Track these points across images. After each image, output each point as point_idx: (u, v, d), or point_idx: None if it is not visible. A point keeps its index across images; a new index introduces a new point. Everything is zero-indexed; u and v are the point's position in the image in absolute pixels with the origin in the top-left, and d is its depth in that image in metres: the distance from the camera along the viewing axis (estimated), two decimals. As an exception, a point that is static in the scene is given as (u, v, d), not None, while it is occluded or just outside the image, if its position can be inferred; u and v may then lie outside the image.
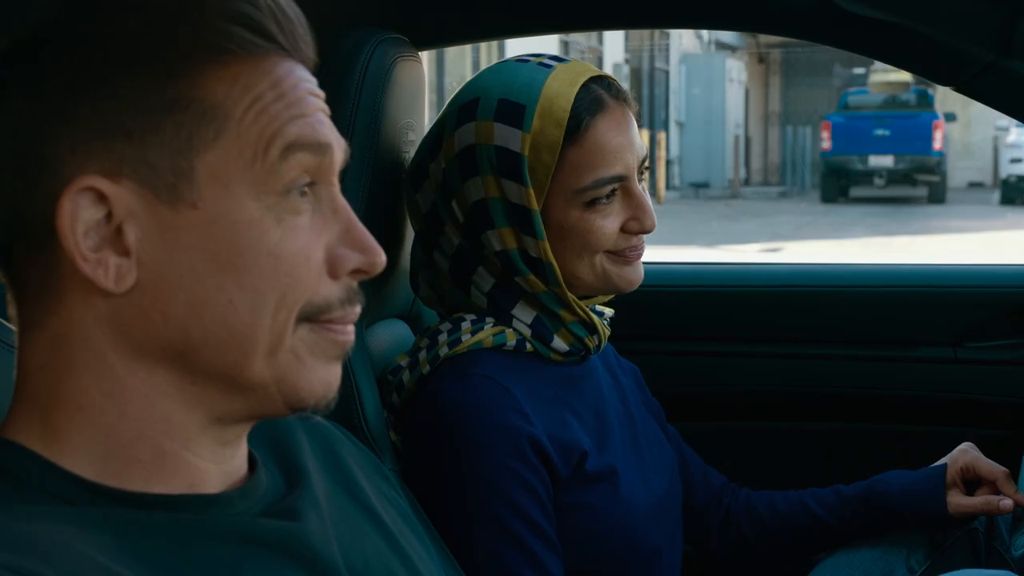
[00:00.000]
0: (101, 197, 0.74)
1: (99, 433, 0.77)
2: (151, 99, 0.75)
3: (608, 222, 1.34)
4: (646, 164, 1.38)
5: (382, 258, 0.83)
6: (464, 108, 1.35)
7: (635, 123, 1.38)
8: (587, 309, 1.38)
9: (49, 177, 0.74)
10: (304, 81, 0.81)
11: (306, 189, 0.80)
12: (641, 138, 1.39)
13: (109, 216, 0.75)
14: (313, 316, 0.80)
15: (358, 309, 0.83)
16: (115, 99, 0.74)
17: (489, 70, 1.38)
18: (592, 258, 1.35)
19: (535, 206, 1.32)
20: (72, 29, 0.75)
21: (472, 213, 1.35)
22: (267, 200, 0.77)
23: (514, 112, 1.32)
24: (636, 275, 1.39)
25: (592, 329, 1.39)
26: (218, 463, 0.82)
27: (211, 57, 0.76)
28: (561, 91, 1.32)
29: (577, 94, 1.33)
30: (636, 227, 1.36)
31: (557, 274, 1.34)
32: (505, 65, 1.38)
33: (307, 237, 0.79)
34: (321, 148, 0.80)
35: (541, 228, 1.32)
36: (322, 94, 0.83)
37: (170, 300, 0.76)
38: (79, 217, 0.74)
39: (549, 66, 1.35)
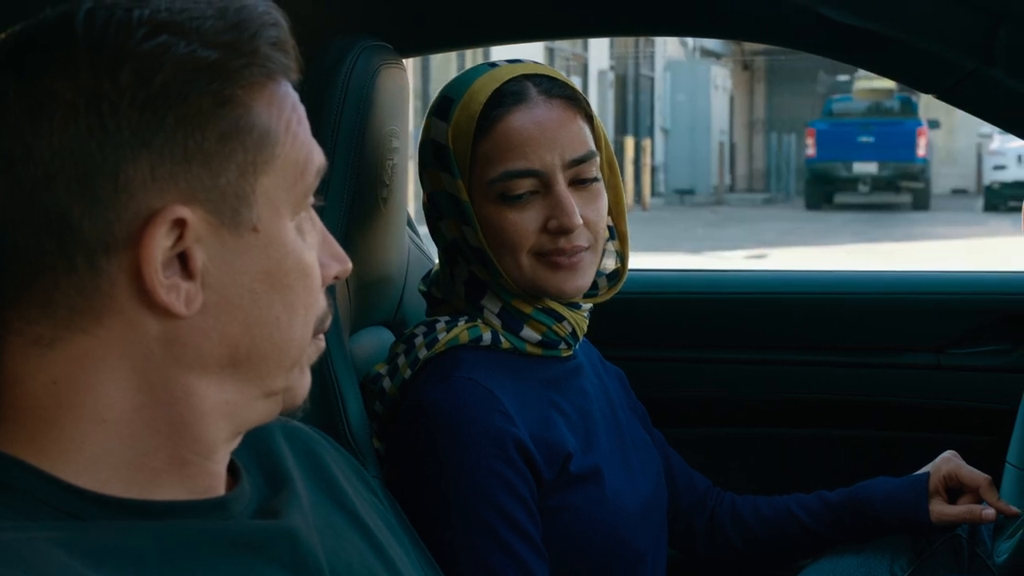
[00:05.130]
0: (177, 224, 0.75)
1: (116, 445, 0.77)
2: (221, 125, 0.76)
3: (523, 218, 1.33)
4: (580, 160, 1.33)
5: (351, 265, 0.89)
6: (429, 109, 1.41)
7: (576, 123, 1.34)
8: (542, 300, 1.37)
9: (125, 201, 0.74)
10: (298, 99, 0.84)
11: None
12: (594, 142, 1.36)
13: (176, 241, 0.75)
14: (318, 329, 0.85)
15: (331, 317, 0.88)
16: (191, 125, 0.75)
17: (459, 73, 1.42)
18: (516, 257, 1.34)
19: (464, 196, 1.34)
20: (150, 53, 0.74)
21: (429, 206, 1.40)
22: (296, 220, 0.82)
23: (445, 106, 1.37)
24: (571, 284, 1.35)
25: (558, 317, 1.39)
26: (222, 464, 0.84)
27: (259, 82, 0.78)
28: (484, 85, 1.34)
29: (499, 87, 1.34)
30: (555, 226, 1.33)
31: (494, 263, 1.35)
32: (471, 67, 1.40)
33: (314, 252, 0.84)
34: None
35: (472, 216, 1.34)
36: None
37: (229, 320, 0.78)
38: (160, 245, 0.74)
39: (495, 65, 1.38)
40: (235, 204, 0.77)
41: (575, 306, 1.41)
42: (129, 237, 0.74)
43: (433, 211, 1.40)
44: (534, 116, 1.33)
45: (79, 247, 0.74)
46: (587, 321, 1.43)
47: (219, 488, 0.83)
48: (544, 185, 1.33)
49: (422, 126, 1.40)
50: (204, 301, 0.77)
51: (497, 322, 1.37)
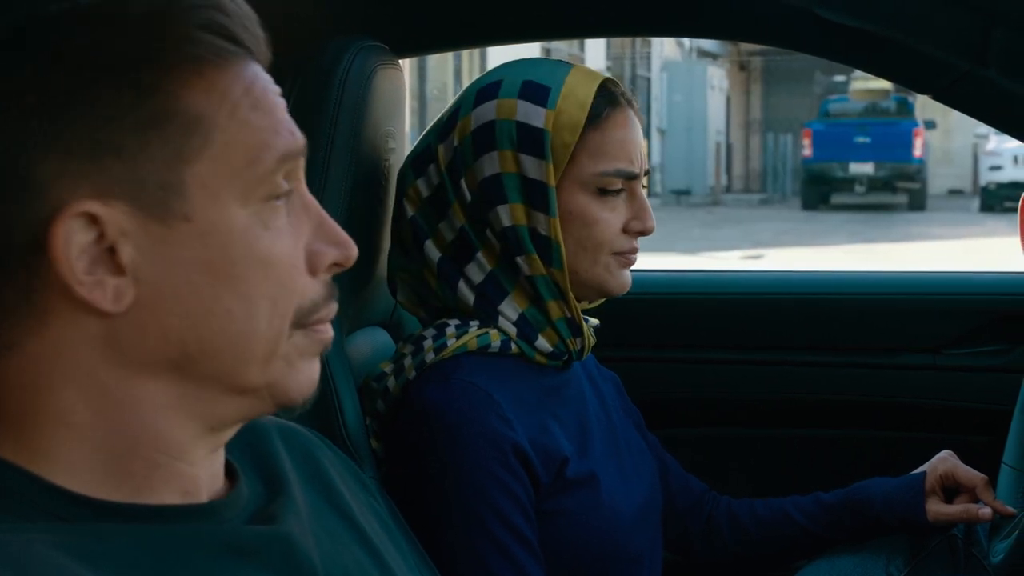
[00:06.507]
0: (93, 220, 0.73)
1: (88, 449, 0.76)
2: (137, 115, 0.74)
3: (613, 217, 1.36)
4: (647, 172, 1.41)
5: (355, 250, 0.84)
6: (484, 89, 1.38)
7: (641, 129, 1.41)
8: (577, 305, 1.38)
9: (37, 200, 0.72)
10: (268, 82, 0.81)
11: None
12: None
13: (100, 237, 0.74)
14: (304, 320, 0.81)
15: (336, 305, 0.84)
16: (102, 118, 0.73)
17: (508, 63, 1.41)
18: (597, 255, 1.36)
19: (552, 182, 1.33)
20: (55, 47, 0.73)
21: (482, 189, 1.35)
22: (254, 207, 0.77)
23: (538, 92, 1.35)
24: (628, 280, 1.41)
25: (577, 331, 1.39)
26: (207, 469, 0.82)
27: (189, 67, 0.76)
28: (583, 80, 1.37)
29: (597, 86, 1.37)
30: (638, 227, 1.38)
31: (562, 254, 1.34)
32: (525, 59, 1.42)
33: (290, 239, 0.80)
34: (300, 152, 0.81)
35: (555, 205, 1.34)
36: (279, 90, 0.83)
37: (168, 314, 0.76)
38: (72, 241, 0.73)
39: (564, 63, 1.41)
40: (161, 195, 0.74)
41: (585, 319, 1.42)
42: (45, 235, 0.72)
43: (490, 196, 1.35)
44: (631, 120, 1.38)
45: (7, 248, 0.73)
46: (594, 339, 1.44)
47: (201, 492, 0.81)
48: (630, 188, 1.37)
49: (489, 108, 1.35)
50: (138, 296, 0.75)
51: (512, 329, 1.36)
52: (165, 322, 0.76)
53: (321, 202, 1.35)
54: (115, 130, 0.73)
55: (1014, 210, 2.08)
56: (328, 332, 0.83)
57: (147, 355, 0.76)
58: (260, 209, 0.78)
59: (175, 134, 0.75)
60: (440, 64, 15.07)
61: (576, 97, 1.35)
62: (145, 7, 0.75)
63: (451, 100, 1.42)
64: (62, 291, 0.73)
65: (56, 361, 0.75)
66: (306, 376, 0.83)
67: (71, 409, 0.76)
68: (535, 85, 1.35)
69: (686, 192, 22.93)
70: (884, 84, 20.31)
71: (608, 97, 1.37)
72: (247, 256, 0.77)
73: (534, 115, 1.34)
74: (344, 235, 0.83)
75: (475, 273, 1.37)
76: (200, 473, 0.81)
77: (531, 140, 1.33)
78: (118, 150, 0.73)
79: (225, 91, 0.77)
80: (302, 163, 0.82)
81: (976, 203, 21.22)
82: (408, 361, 1.36)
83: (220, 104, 0.76)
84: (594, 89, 1.36)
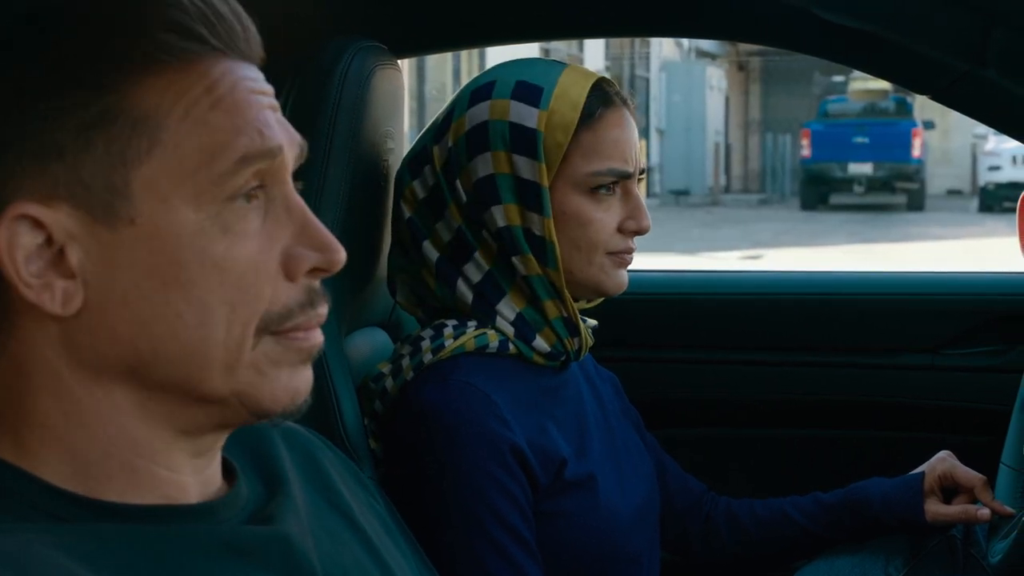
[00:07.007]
0: (38, 223, 0.72)
1: (67, 452, 0.76)
2: (81, 116, 0.73)
3: (607, 216, 1.36)
4: (643, 171, 1.41)
5: (341, 255, 0.80)
6: (478, 90, 1.38)
7: (636, 129, 1.41)
8: (574, 305, 1.38)
9: None
10: (245, 80, 0.78)
11: (256, 192, 0.77)
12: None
13: (50, 240, 0.73)
14: (274, 326, 0.78)
15: (323, 310, 0.80)
16: (46, 119, 0.72)
17: (503, 64, 1.41)
18: (592, 255, 1.36)
19: (545, 182, 1.33)
20: (4, 47, 0.73)
21: (477, 190, 1.35)
22: (210, 209, 0.75)
23: (531, 92, 1.35)
24: (625, 280, 1.41)
25: (574, 331, 1.39)
26: (194, 474, 0.81)
27: (142, 67, 0.74)
28: (577, 80, 1.37)
29: (591, 86, 1.37)
30: (633, 226, 1.38)
31: (557, 254, 1.34)
32: (519, 59, 1.42)
33: (257, 244, 0.77)
34: (272, 154, 0.77)
35: (548, 205, 1.34)
36: (270, 89, 0.80)
37: (117, 318, 0.75)
38: (18, 244, 0.72)
39: (559, 62, 1.41)
40: (106, 197, 0.73)
41: (583, 319, 1.42)
42: None
43: (485, 196, 1.35)
44: (626, 119, 1.38)
45: None
46: (592, 339, 1.44)
47: (188, 497, 0.80)
48: (624, 188, 1.38)
49: (483, 109, 1.35)
50: (86, 299, 0.74)
51: (510, 329, 1.36)
52: (115, 326, 0.75)
53: (320, 202, 1.37)
54: (58, 133, 0.72)
55: (1013, 210, 2.08)
56: (310, 340, 0.80)
57: (102, 359, 0.75)
58: (219, 211, 0.75)
59: (119, 135, 0.73)
60: (439, 64, 15.08)
61: (569, 97, 1.35)
62: (103, 7, 0.74)
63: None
64: (19, 294, 0.73)
65: (30, 364, 0.75)
66: (282, 385, 0.79)
67: (47, 413, 0.76)
68: (528, 85, 1.36)
69: (685, 192, 22.93)
70: (883, 84, 20.31)
71: (602, 97, 1.37)
72: (199, 260, 0.75)
73: (527, 116, 1.34)
74: (329, 239, 0.80)
75: (473, 273, 1.37)
76: (185, 479, 0.80)
77: (524, 141, 1.34)
78: (61, 151, 0.72)
79: (183, 91, 0.75)
80: (284, 163, 0.79)
81: (975, 203, 21.24)
82: (406, 362, 1.36)
83: (174, 104, 0.75)
84: (587, 89, 1.36)
